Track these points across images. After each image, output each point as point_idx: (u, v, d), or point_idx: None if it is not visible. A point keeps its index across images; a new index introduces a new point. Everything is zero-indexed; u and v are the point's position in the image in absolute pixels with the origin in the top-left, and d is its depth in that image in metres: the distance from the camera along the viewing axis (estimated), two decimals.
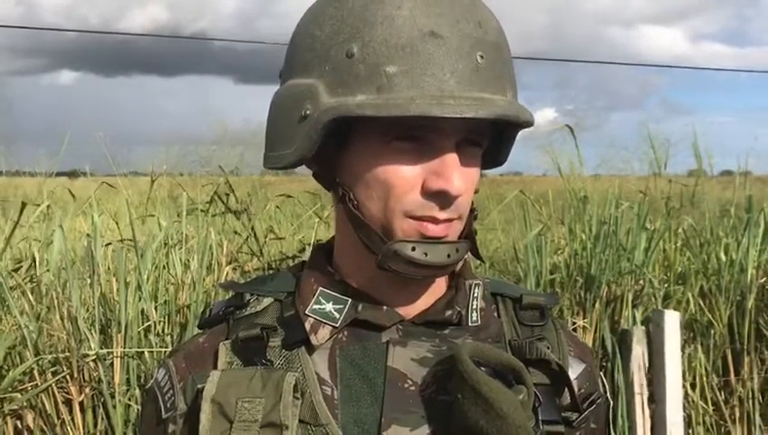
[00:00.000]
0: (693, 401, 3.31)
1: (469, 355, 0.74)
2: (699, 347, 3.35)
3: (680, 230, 3.68)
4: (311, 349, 0.79)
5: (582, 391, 0.85)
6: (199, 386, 0.77)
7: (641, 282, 3.33)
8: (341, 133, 0.75)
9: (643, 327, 3.15)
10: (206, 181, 3.63)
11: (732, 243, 3.55)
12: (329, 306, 0.80)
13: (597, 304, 3.19)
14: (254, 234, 3.23)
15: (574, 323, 3.16)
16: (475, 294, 0.84)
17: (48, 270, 2.85)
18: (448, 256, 0.75)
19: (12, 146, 3.15)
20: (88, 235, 2.85)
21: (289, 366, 0.78)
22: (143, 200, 3.45)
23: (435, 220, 0.74)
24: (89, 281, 2.75)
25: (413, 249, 0.74)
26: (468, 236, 0.80)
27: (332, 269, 0.83)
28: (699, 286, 3.44)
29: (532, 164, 3.99)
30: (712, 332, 3.37)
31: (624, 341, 3.15)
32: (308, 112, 0.74)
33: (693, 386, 3.33)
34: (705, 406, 3.34)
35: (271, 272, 0.84)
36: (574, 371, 0.85)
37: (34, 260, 2.93)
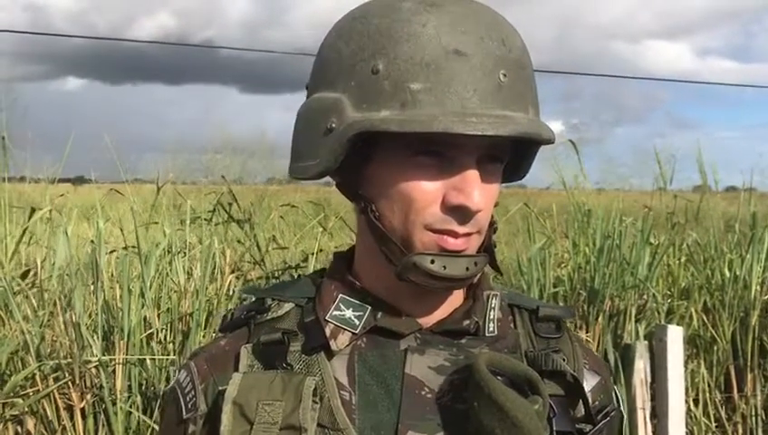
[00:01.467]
0: (695, 417, 3.30)
1: (486, 365, 0.75)
2: (702, 363, 3.35)
3: (684, 245, 3.67)
4: (330, 354, 0.80)
5: (597, 403, 0.85)
6: (220, 388, 0.78)
7: (644, 296, 3.33)
8: (366, 147, 0.76)
9: (646, 342, 3.15)
10: (210, 190, 3.64)
11: (736, 259, 3.55)
12: (348, 313, 0.81)
13: (600, 318, 3.18)
14: (257, 243, 3.24)
15: None
16: (493, 305, 0.84)
17: (51, 276, 2.85)
18: (467, 269, 0.76)
19: (22, 152, 3.16)
20: (92, 241, 2.85)
21: (309, 371, 0.79)
22: (147, 208, 3.45)
23: (454, 234, 0.75)
24: (92, 287, 2.75)
25: (432, 262, 0.75)
26: (487, 249, 0.81)
27: (352, 277, 0.84)
28: (703, 302, 3.43)
29: (537, 177, 3.99)
30: (715, 347, 3.36)
31: (627, 355, 3.14)
32: (333, 126, 0.75)
33: (696, 402, 3.32)
34: (707, 422, 3.32)
35: (291, 278, 0.87)
36: (589, 383, 0.85)
37: (38, 266, 2.94)
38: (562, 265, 3.58)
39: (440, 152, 0.74)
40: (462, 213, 0.74)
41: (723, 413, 3.35)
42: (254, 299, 0.88)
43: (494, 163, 0.77)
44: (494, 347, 0.82)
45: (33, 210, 2.98)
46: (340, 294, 0.82)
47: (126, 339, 2.67)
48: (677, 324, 3.23)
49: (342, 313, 0.81)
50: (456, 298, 0.83)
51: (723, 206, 4.19)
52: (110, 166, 3.35)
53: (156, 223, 3.31)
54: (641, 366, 3.10)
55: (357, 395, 0.78)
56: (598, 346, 3.18)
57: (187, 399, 0.83)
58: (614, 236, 3.27)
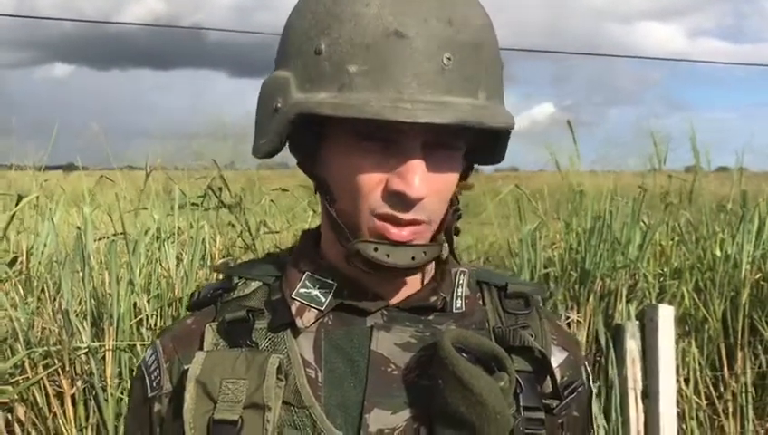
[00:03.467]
0: (686, 396, 3.31)
1: (452, 341, 0.75)
2: (693, 342, 3.35)
3: (676, 225, 3.67)
4: (296, 332, 0.80)
5: (565, 379, 0.85)
6: (185, 367, 0.78)
7: (636, 276, 3.33)
8: (319, 127, 0.76)
9: (637, 322, 3.15)
10: (201, 175, 3.63)
11: (727, 238, 3.55)
12: (315, 291, 0.81)
13: (591, 299, 3.19)
14: (248, 228, 3.23)
15: (568, 318, 3.16)
16: (460, 282, 0.85)
17: (40, 263, 2.84)
18: (413, 258, 0.75)
19: (7, 139, 3.14)
20: (78, 227, 2.84)
21: (274, 348, 0.79)
22: (137, 194, 3.44)
23: (397, 220, 0.74)
24: (80, 274, 2.74)
25: (375, 250, 0.75)
26: (447, 234, 0.81)
27: (320, 255, 0.84)
28: (694, 281, 3.44)
29: (529, 159, 3.99)
30: (706, 326, 3.37)
31: (618, 335, 3.15)
32: (279, 105, 0.75)
33: (686, 381, 3.33)
34: (698, 401, 3.34)
35: (261, 257, 0.87)
36: (556, 359, 0.85)
37: (25, 253, 2.93)
38: (554, 246, 3.58)
39: (385, 137, 0.73)
40: (402, 200, 0.73)
41: (714, 392, 3.36)
42: (222, 277, 0.88)
43: (447, 150, 0.76)
44: (461, 323, 0.82)
45: (20, 197, 2.96)
46: (307, 272, 0.82)
47: (115, 325, 2.67)
48: (669, 304, 3.24)
49: (309, 290, 0.81)
50: (425, 275, 0.83)
51: (715, 186, 4.19)
52: (99, 153, 3.33)
53: (145, 209, 3.30)
54: (633, 346, 3.11)
55: (323, 373, 0.78)
56: (589, 326, 3.18)
57: (153, 377, 0.83)
58: (605, 216, 3.26)
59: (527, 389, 0.79)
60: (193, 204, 3.24)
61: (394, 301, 0.81)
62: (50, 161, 3.42)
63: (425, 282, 0.83)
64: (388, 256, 0.74)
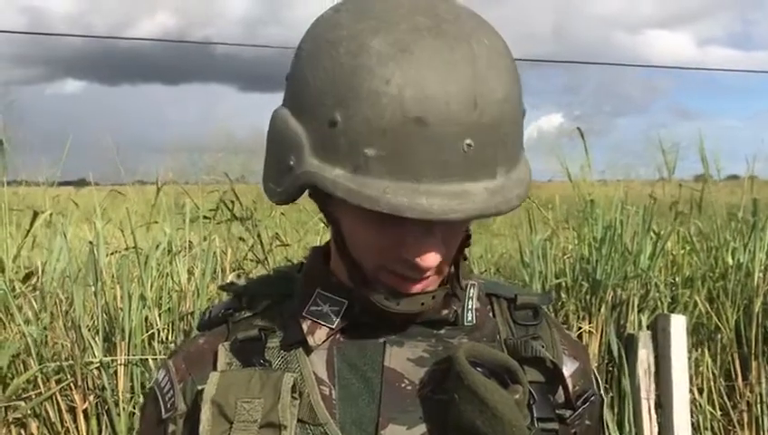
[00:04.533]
0: (700, 406, 3.28)
1: (465, 355, 0.75)
2: (706, 351, 3.33)
3: (687, 234, 3.66)
4: (308, 350, 0.80)
5: (577, 388, 0.85)
6: (199, 387, 0.78)
7: (647, 286, 3.31)
8: None
9: (649, 331, 3.13)
10: (212, 189, 3.64)
11: (739, 247, 3.53)
12: (326, 308, 0.81)
13: (603, 309, 3.17)
14: (260, 241, 3.23)
15: (580, 328, 3.15)
16: (471, 295, 0.84)
17: (52, 278, 2.86)
18: (422, 304, 0.77)
19: (21, 155, 3.16)
20: (91, 242, 2.86)
21: (287, 367, 0.79)
22: (149, 208, 3.46)
23: (409, 279, 0.75)
24: (92, 289, 2.75)
25: (386, 298, 0.76)
26: (455, 262, 0.81)
27: (329, 271, 0.83)
28: (706, 290, 3.41)
29: (539, 169, 3.98)
30: (719, 336, 3.34)
31: (630, 345, 3.13)
32: (292, 164, 0.73)
33: (700, 391, 3.30)
34: (712, 411, 3.31)
35: (270, 273, 0.87)
36: (568, 369, 0.85)
37: (39, 268, 2.95)
38: (565, 256, 3.57)
39: None
40: (415, 268, 0.74)
41: (727, 401, 3.33)
42: (232, 296, 0.88)
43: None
44: (473, 336, 0.82)
45: (35, 214, 2.99)
46: (317, 289, 0.82)
47: (127, 340, 2.68)
48: (681, 313, 3.22)
49: (319, 308, 0.81)
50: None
51: (724, 194, 4.16)
52: (110, 168, 3.35)
53: (156, 223, 3.32)
54: (645, 356, 3.09)
55: (337, 390, 0.78)
56: (601, 337, 3.17)
57: (166, 398, 0.83)
58: (615, 226, 3.25)
59: (540, 400, 0.79)
60: (205, 217, 3.25)
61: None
62: (61, 177, 3.45)
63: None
64: (398, 304, 0.76)
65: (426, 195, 0.67)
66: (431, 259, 0.73)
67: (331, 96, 0.69)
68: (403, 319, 0.80)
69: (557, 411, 0.80)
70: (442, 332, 0.82)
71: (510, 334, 0.84)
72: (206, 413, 0.75)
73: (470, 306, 0.84)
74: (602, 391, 0.89)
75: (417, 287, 0.76)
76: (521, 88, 0.74)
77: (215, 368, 0.80)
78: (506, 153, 0.72)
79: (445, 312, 0.81)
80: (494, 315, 0.86)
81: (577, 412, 0.81)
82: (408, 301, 0.76)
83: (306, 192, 0.77)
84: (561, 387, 0.81)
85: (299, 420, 0.76)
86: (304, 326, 0.80)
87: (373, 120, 0.67)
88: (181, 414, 0.81)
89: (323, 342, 0.80)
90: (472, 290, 0.85)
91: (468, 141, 0.67)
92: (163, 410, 0.83)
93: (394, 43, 0.68)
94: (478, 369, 0.75)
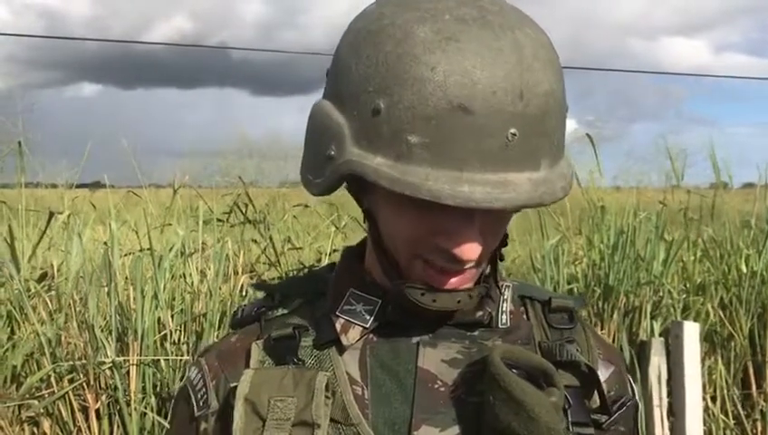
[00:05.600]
0: (713, 415, 3.26)
1: (501, 357, 0.74)
2: (719, 359, 3.31)
3: (699, 241, 3.64)
4: (341, 349, 0.79)
5: (612, 393, 0.84)
6: (232, 385, 0.78)
7: (660, 293, 3.30)
8: None
9: (662, 338, 3.12)
10: (226, 192, 3.67)
11: (753, 254, 3.50)
12: (359, 307, 0.80)
13: (615, 315, 3.16)
14: (273, 244, 3.25)
15: None
16: (505, 297, 0.84)
17: (66, 278, 2.88)
18: (458, 301, 0.75)
19: (38, 157, 3.20)
20: (105, 243, 2.88)
21: (320, 366, 0.78)
22: (163, 211, 3.48)
23: (445, 270, 0.74)
24: (106, 289, 2.77)
25: (422, 294, 0.74)
26: (492, 262, 0.80)
27: (363, 271, 0.83)
28: (719, 298, 3.39)
29: None
30: (732, 344, 3.32)
31: (642, 352, 3.11)
32: (333, 154, 0.72)
33: (713, 399, 3.28)
34: (725, 419, 3.29)
35: (302, 274, 0.86)
36: (603, 373, 0.84)
37: (53, 268, 2.97)
38: (576, 262, 3.56)
39: None
40: (452, 259, 0.72)
41: (741, 410, 3.30)
42: (264, 295, 0.88)
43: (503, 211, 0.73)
44: (507, 339, 0.81)
45: (51, 215, 3.02)
46: (351, 289, 0.82)
47: (140, 340, 2.69)
48: (694, 321, 3.20)
49: (353, 307, 0.81)
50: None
51: (738, 201, 4.14)
52: (125, 170, 3.38)
53: (170, 225, 3.34)
54: (657, 363, 3.07)
55: (369, 390, 0.78)
56: (613, 343, 3.15)
57: (199, 396, 0.83)
58: (628, 232, 3.24)
59: (575, 404, 0.78)
60: (218, 220, 3.27)
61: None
62: (76, 179, 3.48)
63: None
64: (434, 301, 0.74)
65: (468, 183, 0.66)
66: (470, 250, 0.71)
67: (374, 83, 0.69)
68: (438, 318, 0.79)
69: (592, 416, 0.79)
70: (476, 333, 0.81)
71: (545, 337, 0.84)
72: (239, 411, 0.75)
73: (504, 308, 0.83)
74: (637, 397, 0.88)
75: (453, 282, 0.74)
76: (564, 83, 0.73)
77: (247, 366, 0.80)
78: (551, 146, 0.71)
79: (479, 313, 0.80)
80: (528, 318, 0.85)
81: (612, 417, 0.80)
82: (444, 298, 0.74)
83: (344, 185, 0.77)
84: (596, 392, 0.80)
85: (331, 420, 0.75)
86: (337, 325, 0.80)
87: (417, 106, 0.66)
88: (213, 412, 0.81)
89: (356, 341, 0.79)
90: (507, 292, 0.84)
91: (513, 131, 0.67)
92: (195, 408, 0.83)
93: (439, 31, 0.67)
94: (513, 371, 0.74)
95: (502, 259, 0.83)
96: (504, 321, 0.82)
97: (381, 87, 0.68)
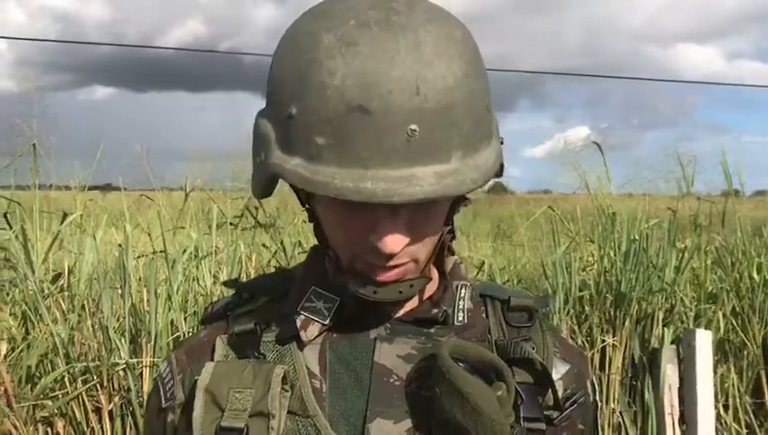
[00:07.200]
0: (726, 423, 3.24)
1: (449, 352, 0.77)
2: (732, 368, 3.29)
3: (711, 248, 3.63)
4: (302, 344, 0.82)
5: (568, 391, 0.86)
6: (197, 377, 0.81)
7: (672, 300, 3.29)
8: None
9: (674, 346, 3.11)
10: (237, 196, 3.68)
11: (765, 262, 3.49)
12: (320, 304, 0.83)
13: (627, 322, 3.15)
14: (283, 248, 3.26)
15: (603, 341, 3.13)
16: (462, 295, 0.87)
17: (80, 280, 2.90)
18: (400, 292, 0.78)
19: (51, 159, 3.21)
20: (120, 245, 2.89)
21: (281, 360, 0.81)
22: (176, 214, 3.50)
23: (381, 267, 0.77)
24: (120, 291, 2.79)
25: (364, 286, 0.78)
26: (438, 258, 0.83)
27: (325, 269, 0.86)
28: (731, 306, 3.38)
29: (562, 182, 3.97)
30: (745, 352, 3.31)
31: (654, 360, 3.10)
32: (262, 159, 0.76)
33: (726, 407, 3.26)
34: (738, 428, 3.26)
35: (271, 272, 0.90)
36: (558, 371, 0.86)
37: (67, 270, 2.98)
38: (588, 269, 3.55)
39: None
40: (379, 254, 0.75)
41: (754, 419, 3.29)
42: (233, 292, 0.91)
43: (425, 204, 0.74)
44: (463, 336, 0.84)
45: (65, 215, 3.04)
46: (313, 286, 0.85)
47: (153, 342, 2.72)
48: (706, 328, 3.19)
49: (314, 304, 0.83)
50: (427, 288, 0.85)
51: (748, 209, 4.13)
52: (137, 173, 3.40)
53: (182, 228, 3.35)
54: (669, 371, 3.06)
55: (327, 383, 0.81)
56: (625, 350, 3.15)
57: (167, 389, 0.86)
58: (640, 239, 3.24)
59: (528, 400, 0.80)
60: (230, 223, 3.28)
61: (397, 314, 0.84)
62: (89, 181, 3.50)
63: (427, 295, 0.86)
64: (375, 292, 0.77)
65: (372, 180, 0.69)
66: (393, 242, 0.74)
67: (288, 90, 0.73)
68: (390, 311, 0.82)
69: (545, 413, 0.81)
70: (432, 330, 0.84)
71: (501, 335, 0.86)
72: (199, 400, 0.78)
73: (461, 306, 0.86)
74: (597, 396, 0.90)
75: (390, 275, 0.77)
76: (483, 76, 0.75)
77: (212, 359, 0.83)
78: (461, 138, 0.72)
79: (434, 311, 0.83)
80: (487, 316, 0.88)
81: (563, 414, 0.82)
82: (384, 289, 0.77)
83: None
84: (549, 389, 0.82)
85: (289, 412, 0.78)
86: (298, 322, 0.82)
87: (321, 110, 0.69)
88: (180, 404, 0.84)
89: (316, 337, 0.82)
90: (463, 290, 0.87)
91: (413, 127, 0.69)
92: (163, 400, 0.86)
93: (341, 37, 0.70)
94: (462, 365, 0.76)
95: (453, 253, 0.86)
96: (460, 318, 0.85)
97: (294, 93, 0.72)
